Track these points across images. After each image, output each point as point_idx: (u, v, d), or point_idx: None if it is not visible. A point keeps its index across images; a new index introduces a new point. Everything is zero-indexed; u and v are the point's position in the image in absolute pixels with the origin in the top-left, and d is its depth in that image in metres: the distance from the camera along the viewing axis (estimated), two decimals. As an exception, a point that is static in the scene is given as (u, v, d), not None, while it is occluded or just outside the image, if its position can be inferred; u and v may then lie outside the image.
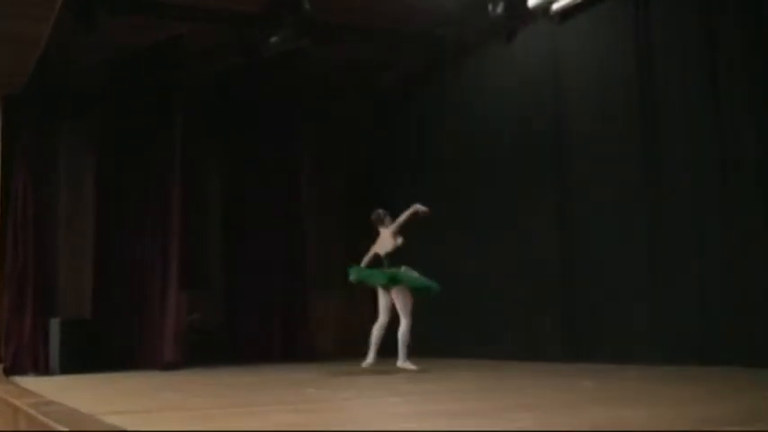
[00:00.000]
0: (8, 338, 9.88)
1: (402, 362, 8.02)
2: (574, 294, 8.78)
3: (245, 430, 3.94)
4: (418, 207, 8.16)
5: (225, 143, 11.86)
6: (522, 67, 9.73)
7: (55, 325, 9.64)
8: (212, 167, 11.97)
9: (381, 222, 8.37)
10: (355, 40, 10.47)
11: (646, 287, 7.88)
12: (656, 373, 6.70)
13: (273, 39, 9.54)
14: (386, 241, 8.24)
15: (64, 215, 10.98)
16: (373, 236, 8.43)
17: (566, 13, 9.08)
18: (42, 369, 9.61)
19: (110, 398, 6.24)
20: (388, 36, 10.54)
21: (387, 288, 8.17)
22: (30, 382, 8.20)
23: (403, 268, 8.11)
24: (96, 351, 9.53)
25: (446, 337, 10.10)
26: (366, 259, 8.36)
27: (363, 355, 8.32)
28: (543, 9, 9.18)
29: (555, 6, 9.07)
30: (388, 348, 8.25)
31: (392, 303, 8.17)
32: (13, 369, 9.59)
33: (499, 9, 9.21)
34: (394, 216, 8.30)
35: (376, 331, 8.27)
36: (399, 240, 8.18)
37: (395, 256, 8.16)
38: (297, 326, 11.04)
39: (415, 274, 8.13)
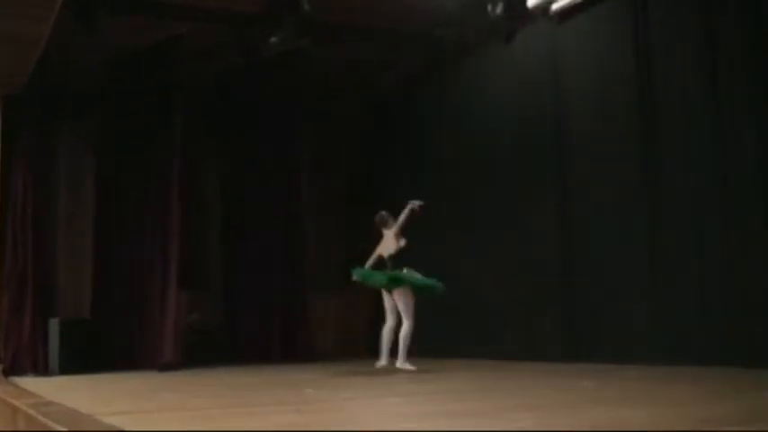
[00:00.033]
0: (7, 339, 9.88)
1: (401, 363, 8.03)
2: (574, 294, 8.78)
3: (244, 430, 3.94)
4: (413, 204, 8.15)
5: (225, 143, 11.84)
6: (522, 67, 9.72)
7: (54, 325, 9.63)
8: (212, 167, 11.96)
9: (385, 224, 8.35)
10: (355, 40, 10.46)
11: (646, 287, 7.88)
12: (656, 373, 6.70)
13: (273, 39, 9.54)
14: (389, 243, 8.23)
15: (63, 215, 10.99)
16: (374, 236, 8.43)
17: (565, 13, 9.07)
18: (42, 369, 9.61)
19: (109, 398, 6.23)
20: (388, 36, 10.53)
21: (388, 289, 8.17)
22: (29, 382, 8.20)
23: (405, 270, 8.10)
24: (96, 351, 9.53)
25: (446, 337, 10.08)
26: (370, 261, 8.35)
27: (363, 355, 8.32)
28: (543, 9, 9.18)
29: (554, 6, 9.07)
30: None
31: (396, 305, 8.18)
32: (13, 369, 9.59)
33: (499, 9, 9.21)
34: (396, 217, 8.29)
35: (385, 334, 8.27)
36: (402, 242, 8.17)
37: (398, 258, 8.16)
38: (297, 326, 11.02)
39: (417, 275, 8.12)
